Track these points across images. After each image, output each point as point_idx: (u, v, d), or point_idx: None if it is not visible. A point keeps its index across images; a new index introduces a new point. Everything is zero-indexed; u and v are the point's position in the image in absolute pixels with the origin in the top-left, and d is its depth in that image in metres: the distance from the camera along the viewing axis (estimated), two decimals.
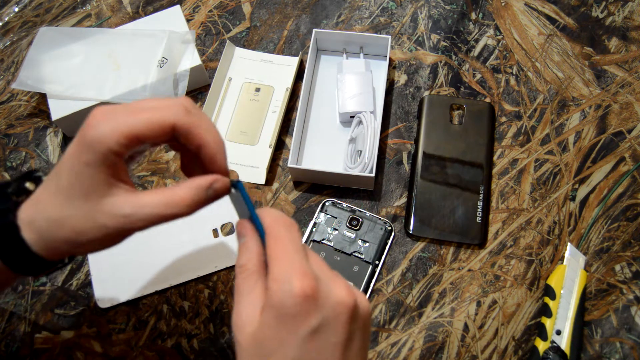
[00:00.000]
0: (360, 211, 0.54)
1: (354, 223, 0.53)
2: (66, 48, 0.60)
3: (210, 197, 0.33)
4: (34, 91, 0.61)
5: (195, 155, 0.34)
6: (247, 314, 0.30)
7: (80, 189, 0.31)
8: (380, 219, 0.54)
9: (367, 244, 0.53)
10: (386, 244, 0.53)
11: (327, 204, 0.55)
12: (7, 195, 0.33)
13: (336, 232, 0.53)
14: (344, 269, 0.52)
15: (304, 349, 0.29)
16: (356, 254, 0.52)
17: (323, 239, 0.53)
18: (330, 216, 0.54)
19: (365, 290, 0.51)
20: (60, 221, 0.31)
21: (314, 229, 0.53)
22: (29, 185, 0.34)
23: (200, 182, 0.32)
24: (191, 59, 0.59)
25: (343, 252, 0.52)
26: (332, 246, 0.53)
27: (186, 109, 0.32)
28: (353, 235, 0.53)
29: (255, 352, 0.30)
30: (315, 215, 0.54)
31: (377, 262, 0.52)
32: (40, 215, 0.32)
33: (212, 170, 0.33)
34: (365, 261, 0.52)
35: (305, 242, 0.53)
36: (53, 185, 0.32)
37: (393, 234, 0.53)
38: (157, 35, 0.60)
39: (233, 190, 0.34)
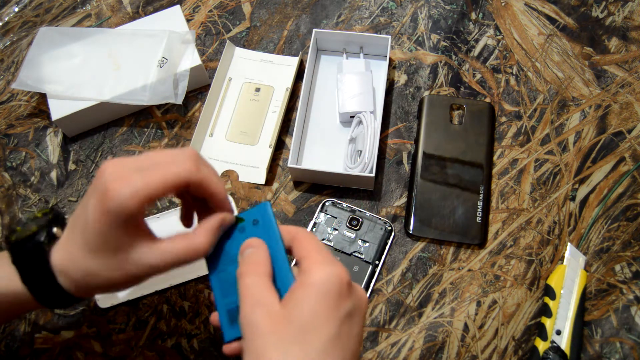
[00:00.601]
0: (360, 211, 0.54)
1: (354, 223, 0.53)
2: (66, 48, 0.60)
3: (221, 232, 0.37)
4: (34, 91, 0.61)
5: (197, 201, 0.38)
6: (264, 304, 0.32)
7: (109, 247, 0.34)
8: (380, 219, 0.54)
9: (367, 244, 0.53)
10: (386, 244, 0.53)
11: (327, 204, 0.55)
12: (40, 245, 0.36)
13: (336, 232, 0.53)
14: None
15: (340, 329, 0.31)
16: (356, 254, 0.52)
17: (323, 239, 0.53)
18: (330, 216, 0.54)
19: (365, 290, 0.51)
20: (94, 274, 0.34)
21: (314, 229, 0.53)
22: (57, 231, 0.37)
23: (213, 225, 0.36)
24: (191, 59, 0.59)
25: (343, 252, 0.52)
26: (332, 246, 0.53)
27: (196, 163, 0.35)
28: (353, 235, 0.53)
29: (288, 331, 0.31)
30: (315, 215, 0.54)
31: (377, 262, 0.52)
32: (74, 267, 0.35)
33: (221, 211, 0.37)
34: (365, 261, 0.52)
35: None
36: (80, 240, 0.34)
37: (393, 234, 0.53)
38: (157, 35, 0.60)
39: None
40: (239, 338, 0.34)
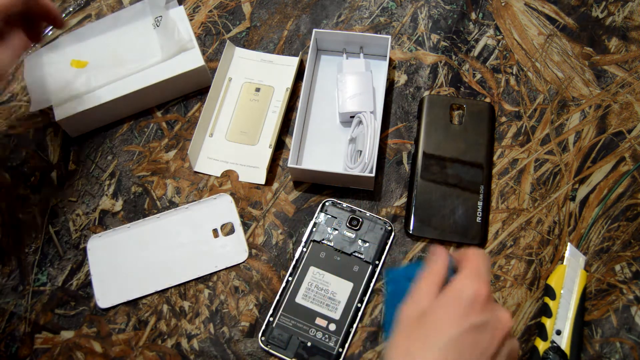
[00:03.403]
0: (360, 211, 0.54)
1: (354, 223, 0.53)
2: (58, 61, 0.60)
3: None
4: (54, 104, 0.60)
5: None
6: (419, 305, 0.37)
7: None
8: (380, 219, 0.54)
9: (367, 244, 0.53)
10: (386, 244, 0.53)
11: (327, 204, 0.55)
12: None
13: (336, 232, 0.53)
14: (344, 269, 0.52)
15: (463, 337, 0.34)
16: (356, 254, 0.52)
17: (323, 239, 0.53)
18: (330, 216, 0.54)
19: (365, 290, 0.51)
20: None
21: (314, 229, 0.53)
22: None
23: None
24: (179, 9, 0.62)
25: (343, 252, 0.52)
26: (332, 246, 0.53)
27: None
28: (353, 235, 0.53)
29: (420, 326, 0.35)
30: (315, 215, 0.54)
31: (377, 262, 0.52)
32: None
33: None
34: (365, 261, 0.52)
35: (305, 242, 0.53)
36: None
37: (393, 234, 0.53)
38: (137, 6, 0.63)
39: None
40: None
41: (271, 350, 0.49)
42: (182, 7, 0.63)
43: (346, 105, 0.57)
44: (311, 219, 0.54)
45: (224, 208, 0.55)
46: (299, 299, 0.50)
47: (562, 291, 0.49)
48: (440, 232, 0.53)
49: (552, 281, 0.50)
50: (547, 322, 0.48)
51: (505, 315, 0.36)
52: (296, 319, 0.50)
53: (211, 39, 0.65)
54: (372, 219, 0.54)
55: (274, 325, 0.50)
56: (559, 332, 0.48)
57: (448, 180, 0.55)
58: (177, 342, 0.51)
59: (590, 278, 0.51)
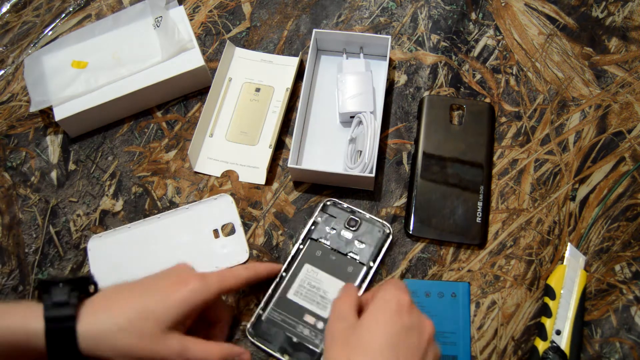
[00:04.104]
0: (360, 212, 0.54)
1: (352, 224, 0.53)
2: (58, 60, 0.60)
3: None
4: (54, 104, 0.59)
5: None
6: (345, 319, 0.40)
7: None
8: (378, 221, 0.54)
9: (364, 246, 0.52)
10: (383, 246, 0.53)
11: (327, 203, 0.55)
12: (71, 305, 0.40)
13: (334, 231, 0.53)
14: (338, 268, 0.51)
15: (397, 336, 0.38)
16: (351, 255, 0.52)
17: (320, 238, 0.53)
18: (329, 216, 0.54)
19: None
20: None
21: (313, 227, 0.53)
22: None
23: (233, 351, 0.44)
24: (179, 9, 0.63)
25: (339, 252, 0.52)
26: (328, 245, 0.52)
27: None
28: (350, 236, 0.53)
29: (354, 336, 0.39)
30: (315, 214, 0.54)
31: (371, 263, 0.52)
32: (106, 345, 0.39)
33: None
34: (360, 262, 0.52)
35: (303, 239, 0.53)
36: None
37: (391, 236, 0.53)
38: (137, 6, 0.63)
39: None
40: None
41: (257, 342, 0.49)
42: (182, 7, 0.63)
43: (346, 105, 0.57)
44: (311, 219, 0.54)
45: (224, 208, 0.55)
46: (290, 295, 0.50)
47: (562, 291, 0.49)
48: (440, 232, 0.53)
49: (552, 281, 0.50)
50: (547, 322, 0.48)
51: (427, 321, 0.40)
52: (285, 314, 0.50)
53: (211, 39, 0.65)
54: (370, 220, 0.54)
55: (262, 318, 0.50)
56: (558, 332, 0.48)
57: (448, 180, 0.55)
58: None
59: (590, 278, 0.51)
